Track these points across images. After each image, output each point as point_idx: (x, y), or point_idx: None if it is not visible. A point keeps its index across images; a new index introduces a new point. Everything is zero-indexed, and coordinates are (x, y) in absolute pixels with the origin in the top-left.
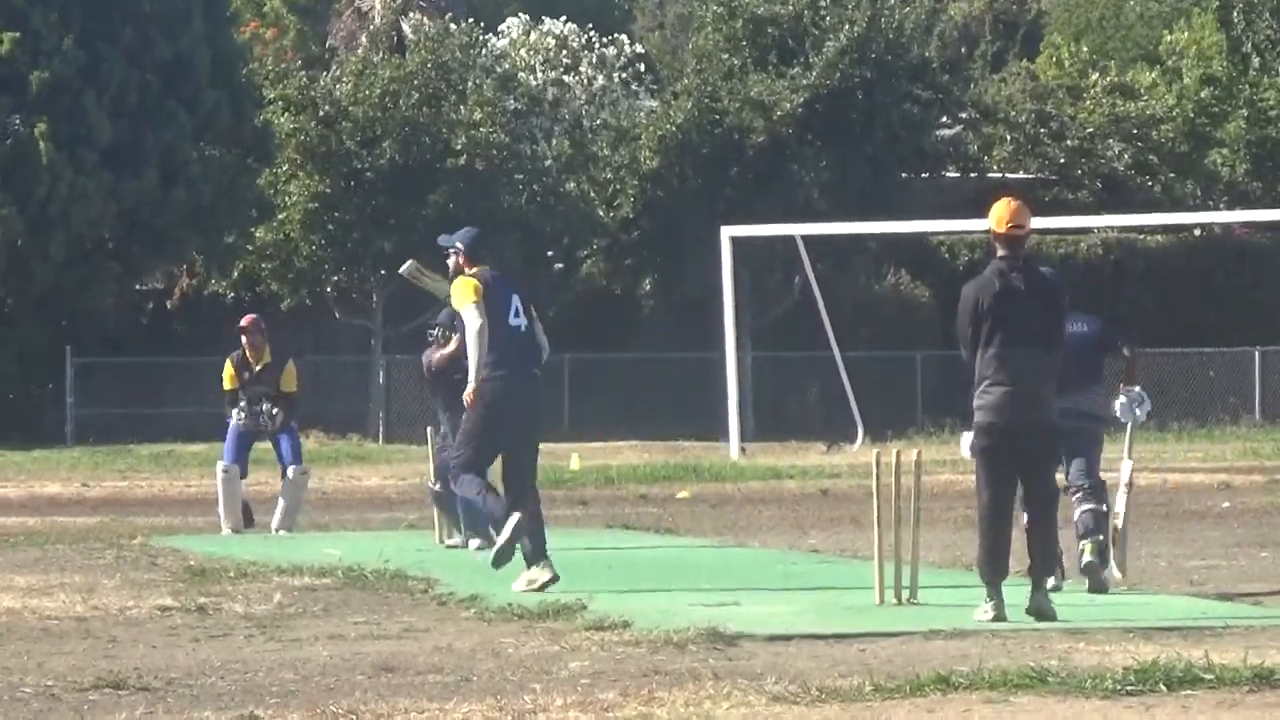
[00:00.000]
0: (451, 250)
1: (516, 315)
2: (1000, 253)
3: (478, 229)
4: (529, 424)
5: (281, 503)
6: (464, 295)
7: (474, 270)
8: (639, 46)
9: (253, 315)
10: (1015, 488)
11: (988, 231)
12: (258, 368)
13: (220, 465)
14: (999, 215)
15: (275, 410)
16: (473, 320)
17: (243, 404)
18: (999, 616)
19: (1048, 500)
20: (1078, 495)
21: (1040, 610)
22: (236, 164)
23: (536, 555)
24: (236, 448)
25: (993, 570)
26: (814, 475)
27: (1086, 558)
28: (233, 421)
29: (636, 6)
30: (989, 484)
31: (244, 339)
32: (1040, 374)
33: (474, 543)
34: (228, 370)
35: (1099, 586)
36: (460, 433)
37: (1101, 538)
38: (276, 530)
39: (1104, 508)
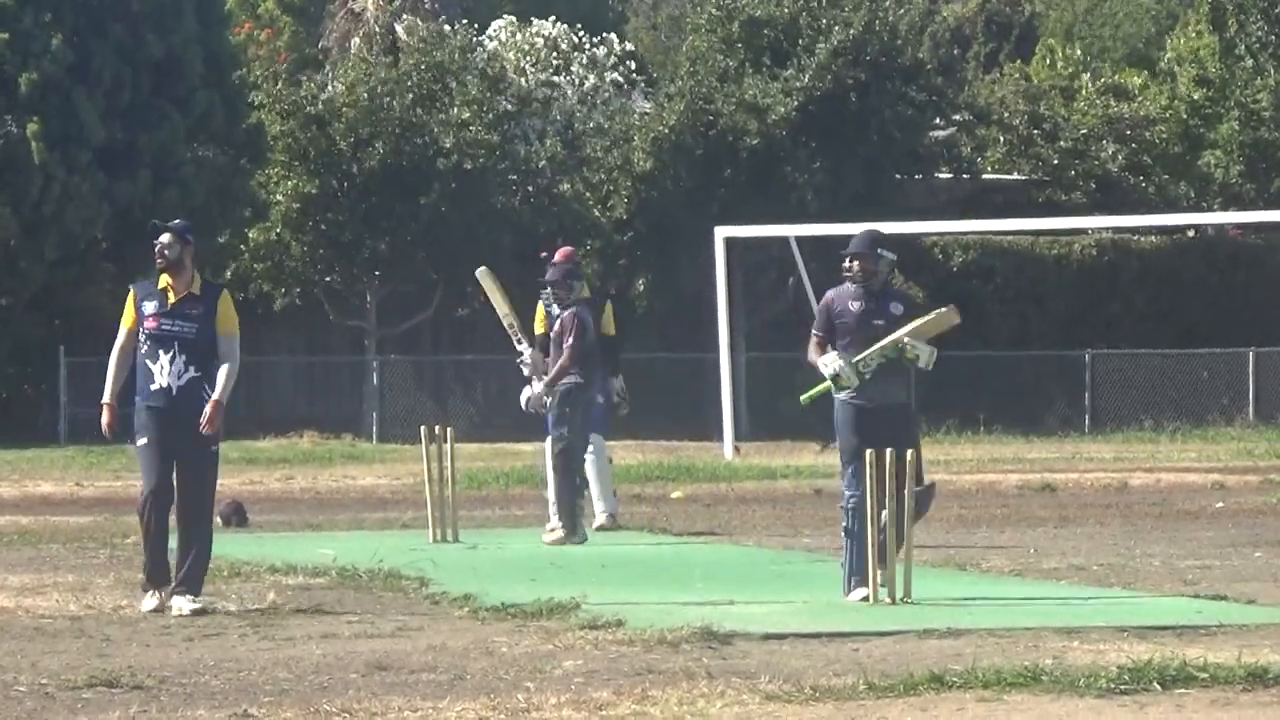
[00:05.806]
0: None
1: None
2: None
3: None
4: None
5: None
6: None
7: None
8: (629, 44)
9: (568, 248)
10: None
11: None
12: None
13: (550, 438)
14: None
15: (620, 395)
16: None
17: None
18: None
19: None
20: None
21: None
22: (230, 165)
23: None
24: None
25: None
26: (808, 475)
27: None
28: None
29: (630, 7)
30: None
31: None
32: None
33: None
34: (540, 313)
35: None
36: None
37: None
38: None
39: None
